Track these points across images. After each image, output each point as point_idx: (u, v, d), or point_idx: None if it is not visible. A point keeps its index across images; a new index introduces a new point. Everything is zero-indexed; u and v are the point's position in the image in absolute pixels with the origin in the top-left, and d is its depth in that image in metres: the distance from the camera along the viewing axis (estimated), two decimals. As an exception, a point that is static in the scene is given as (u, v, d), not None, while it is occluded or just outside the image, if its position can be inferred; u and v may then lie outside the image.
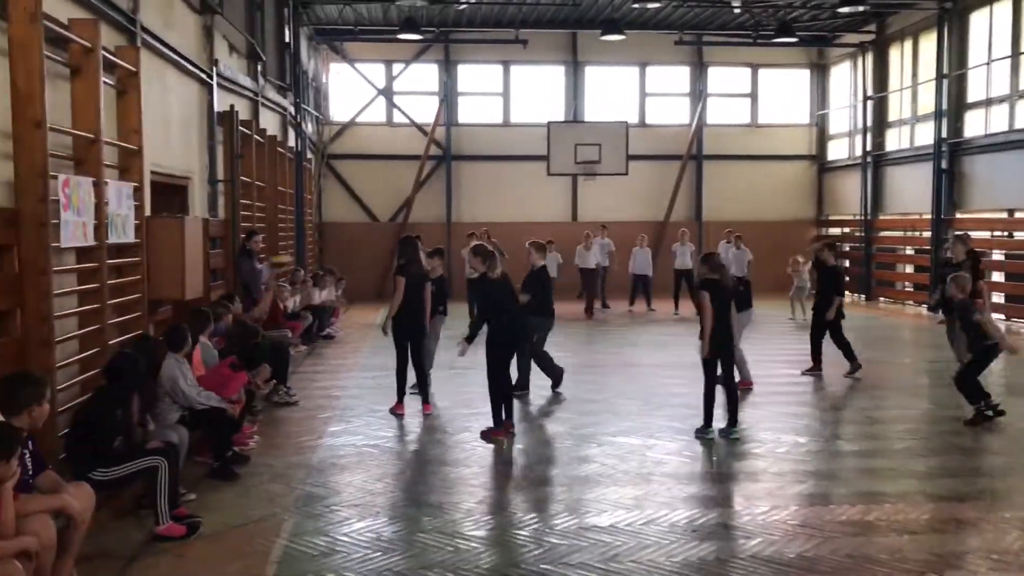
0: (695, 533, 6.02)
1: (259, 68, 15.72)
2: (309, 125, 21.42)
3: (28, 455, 4.93)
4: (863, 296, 23.31)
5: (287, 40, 18.70)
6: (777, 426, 9.16)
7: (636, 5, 20.31)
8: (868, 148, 23.26)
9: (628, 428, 8.92)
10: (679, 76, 25.51)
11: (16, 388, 5.00)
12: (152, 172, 9.44)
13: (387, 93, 24.78)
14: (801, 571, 5.41)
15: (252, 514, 6.35)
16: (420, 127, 24.52)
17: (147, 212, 8.80)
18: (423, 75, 24.96)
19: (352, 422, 9.39)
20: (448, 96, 24.51)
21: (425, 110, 24.65)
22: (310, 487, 7.14)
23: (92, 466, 5.78)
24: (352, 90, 24.68)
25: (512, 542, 5.89)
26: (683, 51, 24.74)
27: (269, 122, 16.55)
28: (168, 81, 10.42)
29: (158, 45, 9.86)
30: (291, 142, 18.65)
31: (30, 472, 4.95)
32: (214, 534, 5.99)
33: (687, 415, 9.44)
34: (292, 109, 18.58)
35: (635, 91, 25.38)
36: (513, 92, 25.10)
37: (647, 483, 7.20)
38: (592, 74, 25.23)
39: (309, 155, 21.22)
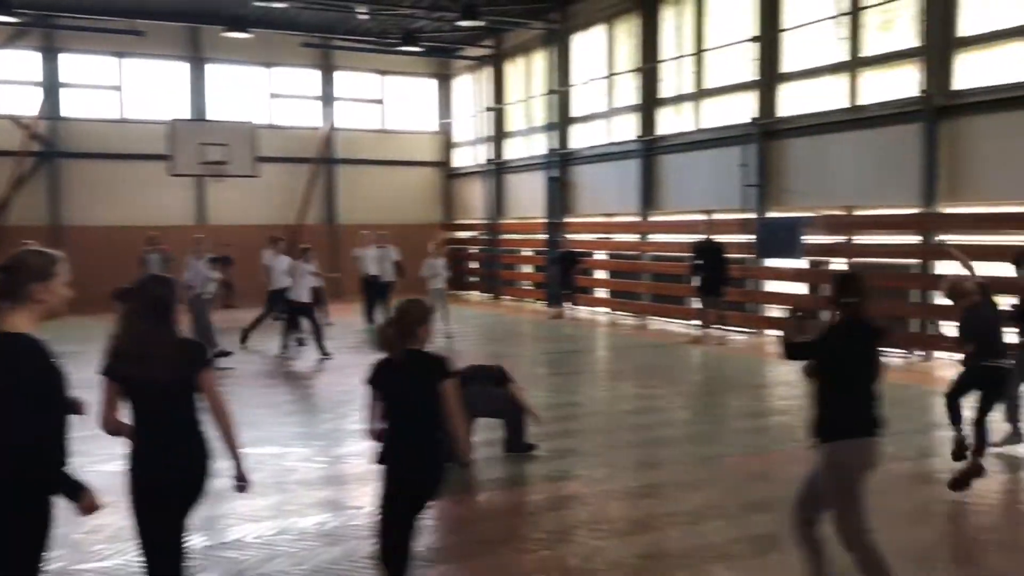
0: (325, 538, 5.99)
1: None
2: None
3: None
4: (490, 294, 24.79)
5: None
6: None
7: (259, 3, 19.79)
8: (491, 156, 24.77)
9: (260, 437, 8.65)
10: (309, 79, 25.33)
11: None
12: None
13: (-27, 80, 21.85)
14: (427, 562, 5.60)
15: None
16: (16, 120, 21.91)
17: None
18: (20, 63, 22.33)
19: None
20: (53, 87, 22.17)
21: (23, 101, 22.09)
22: None
23: None
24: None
25: (132, 567, 5.44)
26: (311, 54, 24.61)
27: None
28: None
29: None
30: None
31: None
32: None
33: (318, 421, 9.38)
34: None
35: (263, 91, 24.78)
36: (130, 86, 23.33)
37: (280, 492, 7.03)
38: (217, 72, 24.19)
39: None
